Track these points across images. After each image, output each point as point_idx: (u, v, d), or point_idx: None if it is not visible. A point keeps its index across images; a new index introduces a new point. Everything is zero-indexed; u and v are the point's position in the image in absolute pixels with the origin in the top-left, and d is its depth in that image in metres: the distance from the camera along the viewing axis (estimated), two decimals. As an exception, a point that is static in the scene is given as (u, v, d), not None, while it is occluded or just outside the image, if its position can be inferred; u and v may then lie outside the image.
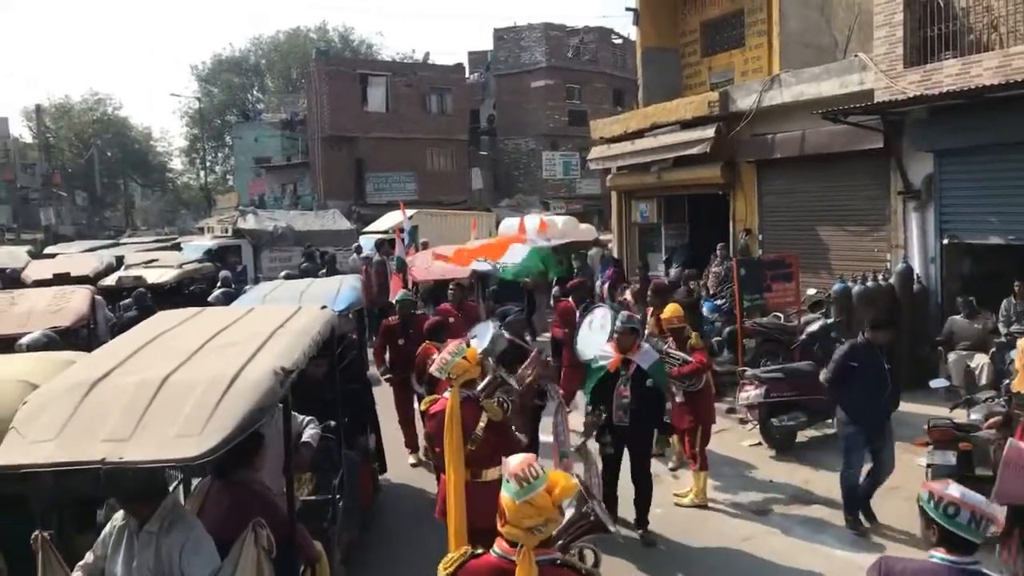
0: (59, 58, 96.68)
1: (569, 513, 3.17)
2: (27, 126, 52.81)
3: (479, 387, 5.01)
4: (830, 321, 9.39)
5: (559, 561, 2.82)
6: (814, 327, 9.26)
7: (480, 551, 2.88)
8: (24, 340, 6.22)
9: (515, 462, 2.84)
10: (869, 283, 10.10)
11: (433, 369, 4.98)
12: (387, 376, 8.43)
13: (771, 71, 14.13)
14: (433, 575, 5.84)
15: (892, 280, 10.22)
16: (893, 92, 10.02)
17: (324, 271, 15.16)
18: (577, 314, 8.97)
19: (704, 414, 7.13)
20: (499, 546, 2.80)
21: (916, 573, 2.93)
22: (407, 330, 8.25)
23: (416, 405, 8.07)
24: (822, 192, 12.12)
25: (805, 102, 11.61)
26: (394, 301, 8.96)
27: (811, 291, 10.67)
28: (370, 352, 9.07)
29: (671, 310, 7.24)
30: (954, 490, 2.91)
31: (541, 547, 2.76)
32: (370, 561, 6.18)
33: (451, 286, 9.86)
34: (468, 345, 5.31)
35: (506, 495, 2.76)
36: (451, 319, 8.68)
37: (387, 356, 8.48)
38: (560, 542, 3.04)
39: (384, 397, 8.57)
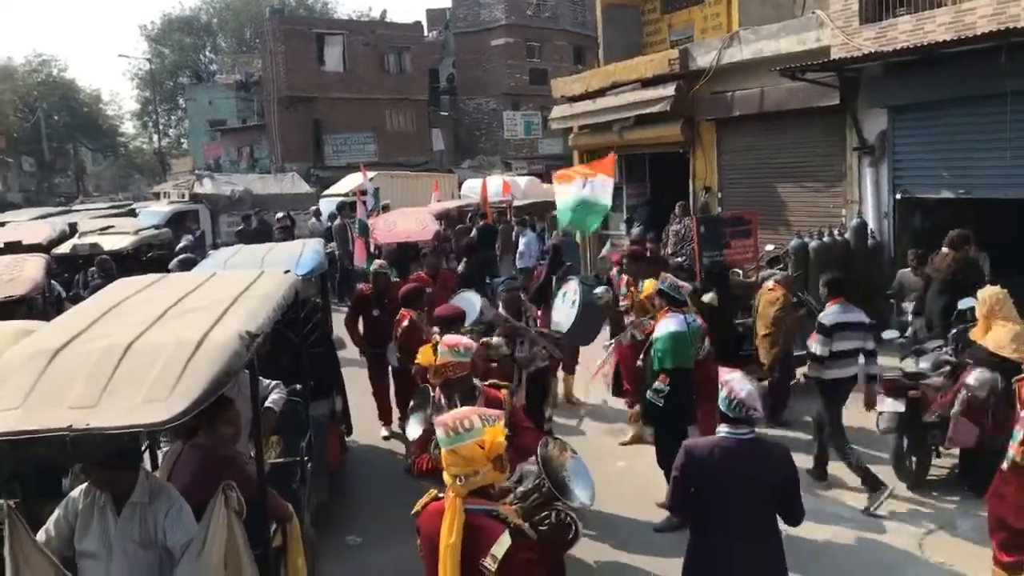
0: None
1: (528, 483, 3.23)
2: (-33, 91, 50.82)
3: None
4: (788, 274, 9.56)
5: (495, 513, 2.90)
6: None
7: (442, 495, 3.03)
8: None
9: (452, 414, 3.00)
10: (825, 239, 10.31)
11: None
12: (361, 348, 8.12)
13: (730, 28, 14.16)
14: (402, 534, 5.97)
15: (847, 235, 10.44)
16: (849, 49, 10.13)
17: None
18: (553, 281, 8.90)
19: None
20: (446, 492, 2.96)
21: (708, 444, 3.61)
22: (382, 300, 7.93)
23: (391, 376, 8.01)
24: (780, 149, 12.26)
25: (764, 59, 11.68)
26: (369, 271, 8.59)
27: (769, 247, 10.85)
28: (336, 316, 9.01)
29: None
30: (729, 375, 3.58)
31: (480, 497, 2.92)
32: (340, 521, 6.26)
33: (423, 252, 9.66)
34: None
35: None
36: (428, 289, 8.37)
37: (360, 327, 8.16)
38: (520, 505, 3.09)
39: (350, 361, 8.59)
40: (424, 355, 4.56)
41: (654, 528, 5.87)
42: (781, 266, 10.19)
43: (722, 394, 3.54)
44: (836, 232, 10.48)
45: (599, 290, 6.93)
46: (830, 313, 6.41)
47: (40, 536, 3.38)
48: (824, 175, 11.61)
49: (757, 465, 3.48)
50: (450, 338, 4.49)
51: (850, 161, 11.02)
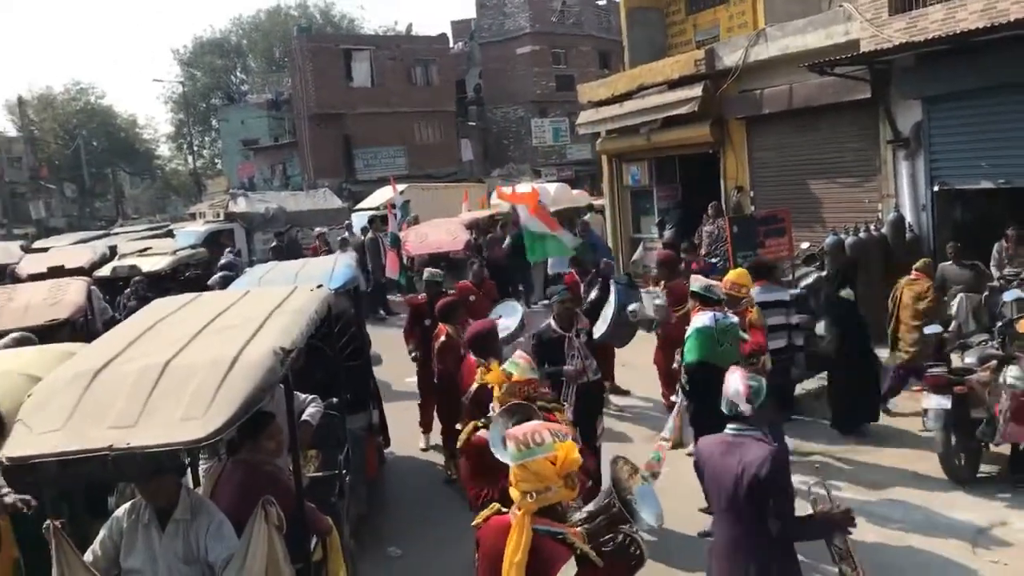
0: (37, 48, 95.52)
1: (593, 505, 3.13)
2: (10, 120, 52.43)
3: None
4: (824, 274, 9.43)
5: (561, 536, 2.82)
6: (809, 280, 9.30)
7: (506, 510, 2.96)
8: None
9: (522, 428, 2.91)
10: (861, 234, 10.13)
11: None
12: (414, 356, 8.11)
13: (756, 25, 14.01)
14: (443, 544, 5.97)
15: (884, 230, 10.25)
16: (879, 41, 9.96)
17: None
18: (582, 288, 8.83)
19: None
20: (513, 508, 2.89)
21: (712, 441, 3.65)
22: (433, 309, 7.70)
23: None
24: (812, 145, 12.08)
25: (791, 55, 11.53)
26: (401, 282, 8.60)
27: (804, 244, 10.68)
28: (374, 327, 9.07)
29: (738, 275, 6.65)
30: (728, 374, 3.63)
31: (546, 517, 2.81)
32: (380, 533, 6.28)
33: (471, 261, 9.73)
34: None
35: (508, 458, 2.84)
36: (472, 297, 8.47)
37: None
38: (586, 527, 3.00)
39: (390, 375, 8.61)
40: (494, 374, 4.28)
41: (699, 534, 5.79)
42: (817, 263, 10.04)
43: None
44: (873, 227, 10.29)
45: (633, 306, 6.84)
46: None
47: (87, 556, 3.44)
48: (858, 170, 11.41)
49: (736, 463, 3.45)
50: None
51: (884, 155, 10.82)
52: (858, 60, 10.12)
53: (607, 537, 3.01)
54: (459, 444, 4.22)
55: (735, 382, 3.56)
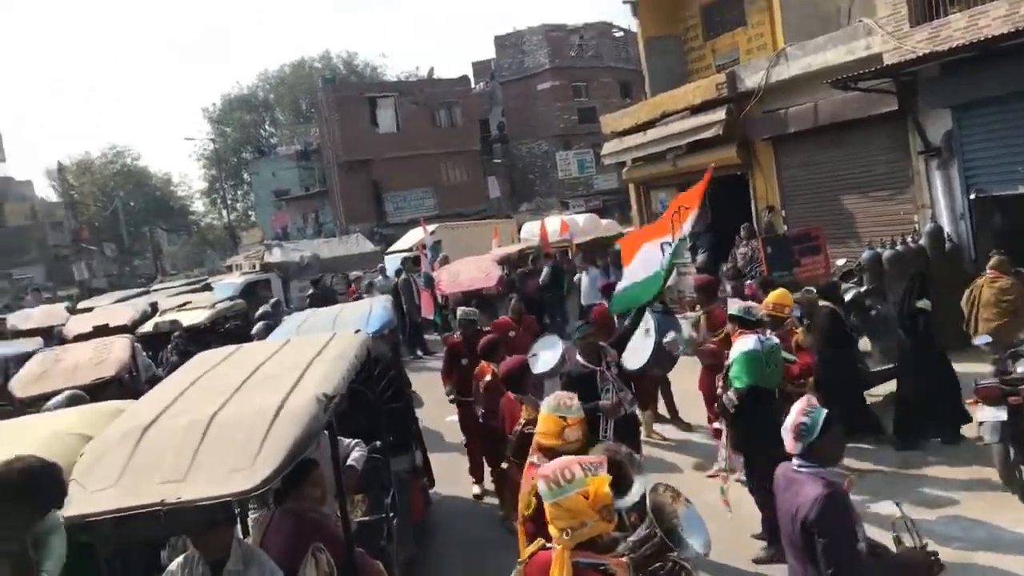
0: (72, 116, 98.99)
1: (638, 533, 3.10)
2: (52, 186, 54.18)
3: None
4: (863, 289, 9.29)
5: (603, 567, 2.80)
6: (848, 297, 9.16)
7: (550, 545, 2.94)
8: (50, 404, 6.16)
9: (552, 465, 2.90)
10: (899, 247, 9.98)
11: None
12: (452, 398, 7.99)
13: (776, 46, 14.03)
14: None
15: (922, 241, 10.09)
16: (902, 53, 9.91)
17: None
18: (615, 318, 8.72)
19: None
20: (553, 543, 2.88)
21: (781, 472, 3.42)
22: (471, 348, 7.65)
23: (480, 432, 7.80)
24: (841, 161, 12.00)
25: (814, 73, 11.52)
26: (437, 321, 8.50)
27: (840, 261, 10.55)
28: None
29: (778, 296, 6.52)
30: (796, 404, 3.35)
31: (588, 550, 2.80)
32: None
33: (509, 297, 9.72)
34: None
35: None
36: (511, 333, 8.39)
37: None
38: (631, 556, 2.97)
39: (431, 416, 8.62)
40: (545, 423, 3.99)
41: (753, 560, 5.66)
42: (856, 279, 9.89)
43: None
44: (910, 239, 10.14)
45: (670, 336, 6.75)
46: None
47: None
48: (890, 182, 11.29)
49: (793, 501, 3.26)
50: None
51: (917, 165, 10.70)
52: (883, 73, 10.07)
53: (655, 566, 2.98)
54: (522, 510, 4.00)
55: (791, 416, 3.31)
